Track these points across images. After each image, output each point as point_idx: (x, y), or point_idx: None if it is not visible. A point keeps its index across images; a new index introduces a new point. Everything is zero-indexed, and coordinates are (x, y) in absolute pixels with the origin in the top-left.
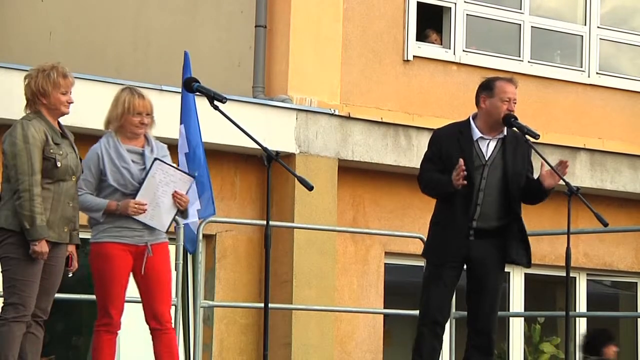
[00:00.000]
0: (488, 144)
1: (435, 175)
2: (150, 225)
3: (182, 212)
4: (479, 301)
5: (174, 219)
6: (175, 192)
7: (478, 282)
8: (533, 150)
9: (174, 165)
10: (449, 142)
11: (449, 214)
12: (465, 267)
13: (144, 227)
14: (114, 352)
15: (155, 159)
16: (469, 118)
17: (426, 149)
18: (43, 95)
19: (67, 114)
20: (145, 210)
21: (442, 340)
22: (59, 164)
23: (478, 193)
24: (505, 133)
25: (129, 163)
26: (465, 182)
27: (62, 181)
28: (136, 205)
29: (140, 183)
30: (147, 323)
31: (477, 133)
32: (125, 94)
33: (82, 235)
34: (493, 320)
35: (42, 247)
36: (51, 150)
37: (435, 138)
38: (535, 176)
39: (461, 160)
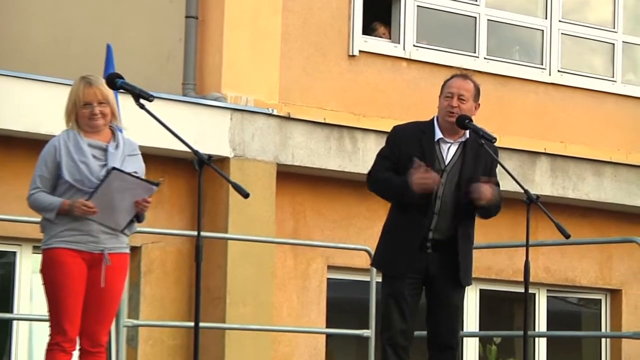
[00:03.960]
0: (449, 148)
1: (390, 175)
2: (108, 231)
3: (138, 216)
4: (441, 317)
5: (131, 221)
6: (138, 200)
7: (438, 298)
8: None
9: (134, 174)
10: (410, 142)
11: (403, 223)
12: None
13: (101, 231)
14: None
15: (113, 168)
16: (432, 118)
17: (375, 150)
18: None
19: None
20: (95, 212)
21: None
22: None
23: (435, 201)
24: (467, 136)
25: (88, 157)
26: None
27: None
28: (84, 207)
29: (96, 186)
30: (79, 340)
31: (438, 134)
32: (75, 85)
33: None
34: (456, 335)
35: None
36: None
37: (395, 135)
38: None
39: (417, 160)
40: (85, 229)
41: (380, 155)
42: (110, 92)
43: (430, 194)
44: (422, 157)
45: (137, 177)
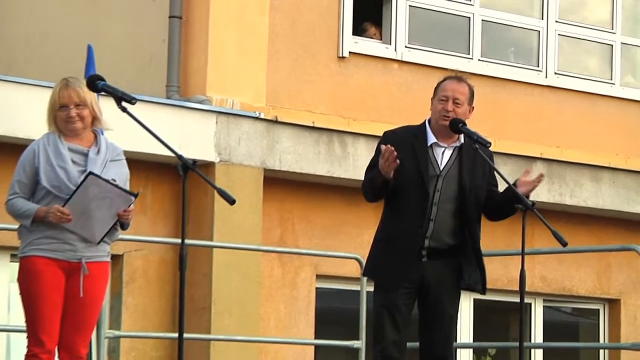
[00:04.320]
0: (443, 152)
1: (369, 174)
2: (85, 239)
3: (122, 224)
4: (435, 328)
5: (111, 230)
6: (120, 213)
7: (433, 309)
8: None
9: (113, 181)
10: (403, 147)
11: (397, 230)
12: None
13: (78, 239)
14: None
15: (90, 172)
16: (424, 122)
17: (365, 154)
18: None
19: None
20: (70, 220)
21: None
22: None
23: (432, 207)
24: (462, 141)
25: (67, 162)
26: (397, 162)
27: None
28: (58, 213)
29: (72, 192)
30: (58, 352)
31: (432, 138)
32: (55, 87)
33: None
34: (450, 346)
35: None
36: None
37: (386, 141)
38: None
39: (383, 146)
40: (62, 237)
41: (370, 165)
42: (89, 94)
43: (425, 201)
44: (415, 163)
45: (115, 185)
